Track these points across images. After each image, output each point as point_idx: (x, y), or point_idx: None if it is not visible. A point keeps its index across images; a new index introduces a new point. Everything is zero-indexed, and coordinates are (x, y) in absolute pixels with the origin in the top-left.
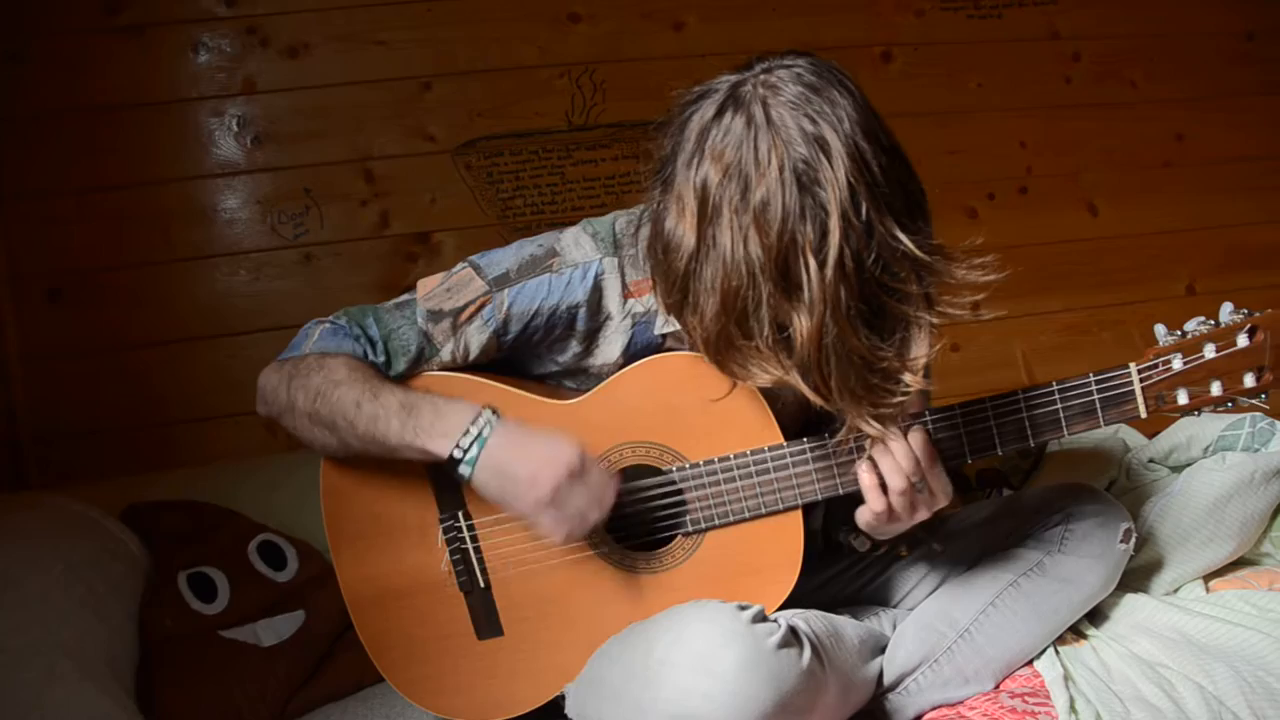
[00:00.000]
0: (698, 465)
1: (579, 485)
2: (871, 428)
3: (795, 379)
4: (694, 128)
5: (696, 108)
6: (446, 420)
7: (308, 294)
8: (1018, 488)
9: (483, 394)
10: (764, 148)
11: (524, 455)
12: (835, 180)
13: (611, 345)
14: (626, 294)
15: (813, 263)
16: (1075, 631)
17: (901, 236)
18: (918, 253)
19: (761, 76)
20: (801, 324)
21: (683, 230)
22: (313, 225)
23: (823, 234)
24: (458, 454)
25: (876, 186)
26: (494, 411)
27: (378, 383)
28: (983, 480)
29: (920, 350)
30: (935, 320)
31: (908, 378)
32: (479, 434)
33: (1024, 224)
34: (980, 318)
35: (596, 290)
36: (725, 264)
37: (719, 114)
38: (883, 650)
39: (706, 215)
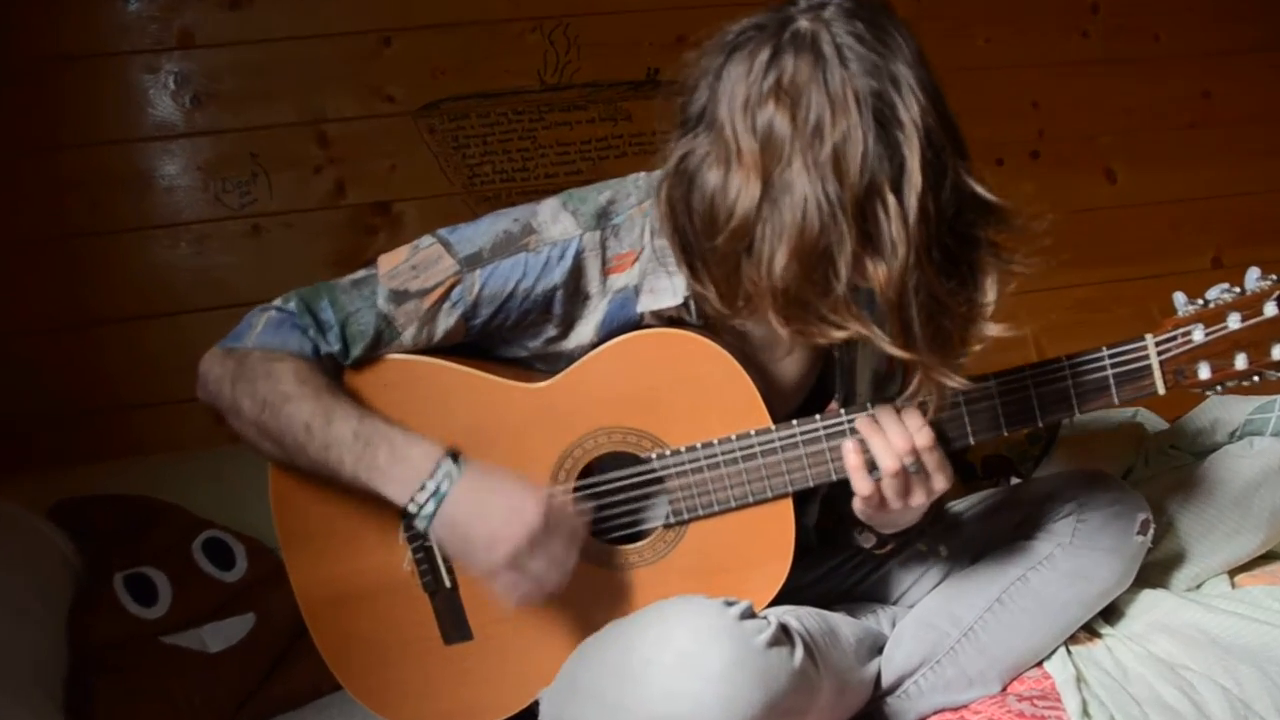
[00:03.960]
0: (679, 452)
1: (539, 549)
2: (949, 380)
3: (873, 330)
4: (742, 70)
5: (739, 48)
6: (403, 465)
7: (256, 269)
8: (1027, 476)
9: (445, 379)
10: (836, 83)
11: (482, 515)
12: (912, 116)
13: (587, 325)
14: (607, 270)
15: (893, 203)
16: (1089, 630)
17: (968, 178)
18: (987, 195)
19: (812, 13)
20: (880, 269)
21: (741, 178)
22: (261, 194)
23: (902, 172)
24: (413, 508)
25: (946, 124)
26: (454, 459)
27: (330, 400)
28: (989, 468)
29: (990, 296)
30: (1013, 267)
31: (982, 325)
32: (436, 489)
33: (1035, 191)
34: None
35: (576, 270)
36: (802, 209)
37: (777, 53)
38: (881, 650)
39: (775, 158)
